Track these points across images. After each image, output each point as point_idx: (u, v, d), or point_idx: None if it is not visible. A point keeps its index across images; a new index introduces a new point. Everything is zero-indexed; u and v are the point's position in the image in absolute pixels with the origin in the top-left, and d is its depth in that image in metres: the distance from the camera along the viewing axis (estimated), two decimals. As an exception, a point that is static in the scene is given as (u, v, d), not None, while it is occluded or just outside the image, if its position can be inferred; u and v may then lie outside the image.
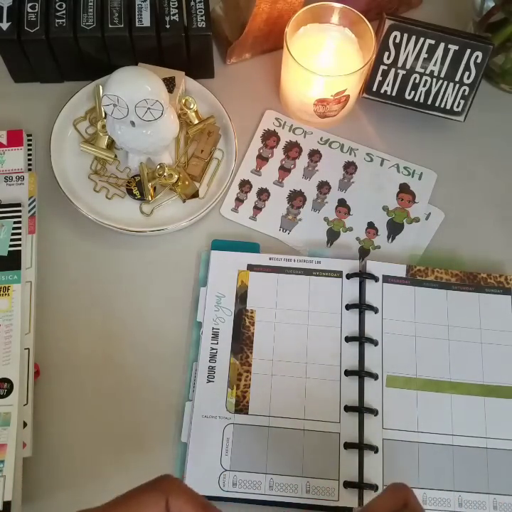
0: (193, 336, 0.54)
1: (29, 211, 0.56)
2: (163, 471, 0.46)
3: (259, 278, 0.56)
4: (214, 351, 0.53)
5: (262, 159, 0.62)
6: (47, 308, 0.55)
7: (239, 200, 0.60)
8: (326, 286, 0.55)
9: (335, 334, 0.54)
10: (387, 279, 0.56)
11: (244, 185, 0.61)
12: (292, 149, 0.62)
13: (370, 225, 0.60)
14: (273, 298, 0.55)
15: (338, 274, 0.56)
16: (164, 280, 0.57)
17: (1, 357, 0.49)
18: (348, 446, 0.50)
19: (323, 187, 0.61)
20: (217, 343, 0.53)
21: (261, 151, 0.62)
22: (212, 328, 0.54)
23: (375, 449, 0.50)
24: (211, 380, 0.52)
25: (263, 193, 0.61)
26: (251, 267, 0.56)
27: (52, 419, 0.51)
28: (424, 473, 0.49)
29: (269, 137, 0.63)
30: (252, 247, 0.57)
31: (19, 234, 0.54)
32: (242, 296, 0.55)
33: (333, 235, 0.60)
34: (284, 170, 0.62)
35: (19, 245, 0.54)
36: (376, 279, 0.55)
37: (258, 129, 0.63)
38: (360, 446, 0.50)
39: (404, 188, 0.61)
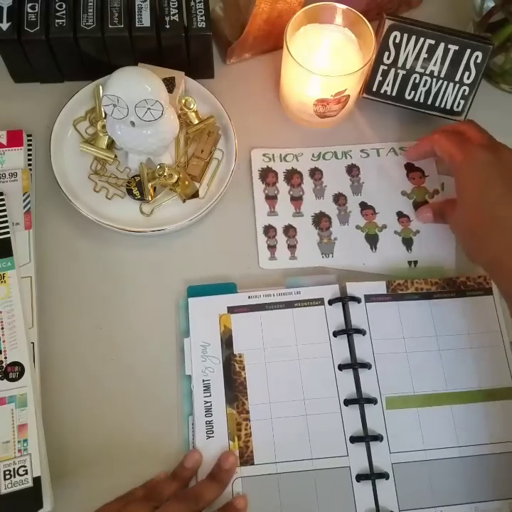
0: (184, 388, 0.53)
1: (24, 207, 0.56)
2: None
3: (241, 319, 0.54)
4: (208, 404, 0.51)
5: (271, 199, 0.60)
6: (48, 305, 0.55)
7: (271, 247, 0.59)
8: (310, 316, 0.54)
9: (327, 364, 0.52)
10: (369, 298, 0.55)
11: (268, 230, 0.59)
12: (293, 177, 0.61)
13: (400, 214, 0.60)
14: (259, 338, 0.53)
15: (319, 301, 0.55)
16: (164, 280, 0.57)
17: (8, 342, 0.51)
18: (360, 478, 0.49)
19: (340, 199, 0.61)
20: (210, 395, 0.51)
21: (266, 191, 0.61)
22: (203, 380, 0.52)
23: (386, 476, 0.49)
24: (211, 435, 0.50)
25: (289, 230, 0.59)
26: (231, 310, 0.54)
27: (59, 412, 0.52)
28: (437, 490, 0.49)
29: (267, 175, 0.61)
30: (229, 288, 0.55)
31: (5, 222, 0.54)
32: (227, 341, 0.53)
33: (372, 240, 0.59)
34: (296, 199, 0.61)
35: (7, 233, 0.54)
36: (358, 301, 0.54)
37: (253, 171, 0.61)
38: (372, 477, 0.49)
39: (410, 167, 0.62)
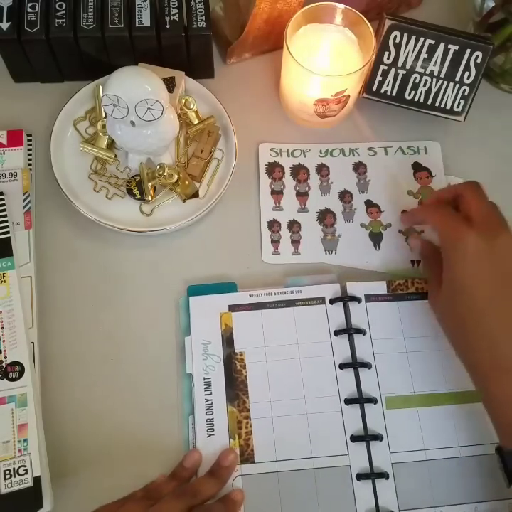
0: (184, 388, 0.52)
1: (24, 207, 0.57)
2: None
3: (242, 318, 0.54)
4: (209, 402, 0.51)
5: (277, 193, 0.61)
6: (48, 305, 0.55)
7: (275, 242, 0.59)
8: (310, 315, 0.54)
9: (328, 363, 0.52)
10: (369, 298, 0.55)
11: (273, 225, 0.59)
12: (299, 172, 0.61)
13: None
14: (260, 336, 0.53)
15: (320, 300, 0.55)
16: (164, 280, 0.57)
17: (8, 342, 0.51)
18: (360, 477, 0.49)
19: (345, 196, 0.61)
20: (211, 393, 0.51)
21: (272, 186, 0.61)
22: (204, 378, 0.52)
23: (386, 475, 0.49)
24: (211, 433, 0.50)
25: (293, 225, 0.59)
26: (232, 308, 0.54)
27: (59, 412, 0.52)
28: (437, 490, 0.49)
29: (273, 170, 0.61)
30: (229, 287, 0.55)
31: (5, 221, 0.55)
32: (228, 340, 0.53)
33: (376, 238, 0.59)
34: (302, 195, 0.61)
35: (7, 233, 0.54)
36: (359, 300, 0.54)
37: (260, 165, 0.61)
38: (372, 476, 0.49)
39: (417, 167, 0.62)
